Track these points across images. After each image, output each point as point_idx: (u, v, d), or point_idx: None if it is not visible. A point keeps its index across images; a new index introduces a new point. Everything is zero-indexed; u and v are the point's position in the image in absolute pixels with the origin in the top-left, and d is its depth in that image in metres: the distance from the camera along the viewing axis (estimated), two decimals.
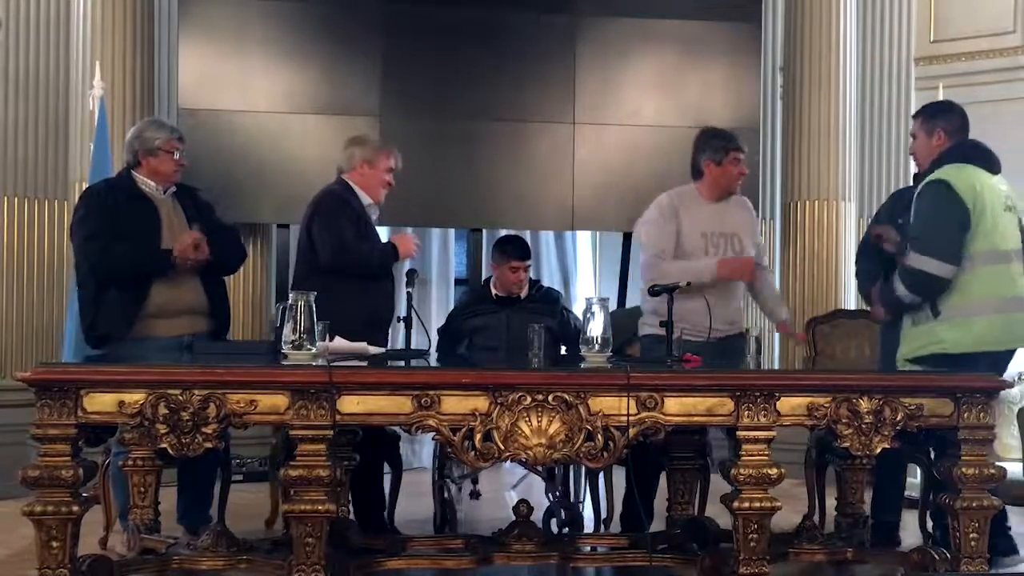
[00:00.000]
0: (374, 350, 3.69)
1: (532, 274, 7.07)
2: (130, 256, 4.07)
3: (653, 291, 3.74)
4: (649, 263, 4.25)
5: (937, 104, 4.30)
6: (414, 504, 5.11)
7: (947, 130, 4.01)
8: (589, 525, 4.71)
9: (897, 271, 3.95)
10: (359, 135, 4.66)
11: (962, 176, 3.89)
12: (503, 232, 6.92)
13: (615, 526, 4.53)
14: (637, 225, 4.40)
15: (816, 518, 4.24)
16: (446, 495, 4.70)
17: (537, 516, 3.90)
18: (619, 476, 4.54)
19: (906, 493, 4.48)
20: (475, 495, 5.03)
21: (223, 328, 4.34)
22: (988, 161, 3.99)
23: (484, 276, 6.44)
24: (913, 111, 6.44)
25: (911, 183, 4.24)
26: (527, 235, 7.17)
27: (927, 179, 3.91)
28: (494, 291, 5.11)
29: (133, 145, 4.25)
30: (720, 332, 4.17)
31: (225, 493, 4.32)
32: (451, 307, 6.50)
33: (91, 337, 4.15)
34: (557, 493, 4.70)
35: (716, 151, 4.30)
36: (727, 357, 4.10)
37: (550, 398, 3.15)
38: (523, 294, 5.06)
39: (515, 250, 5.02)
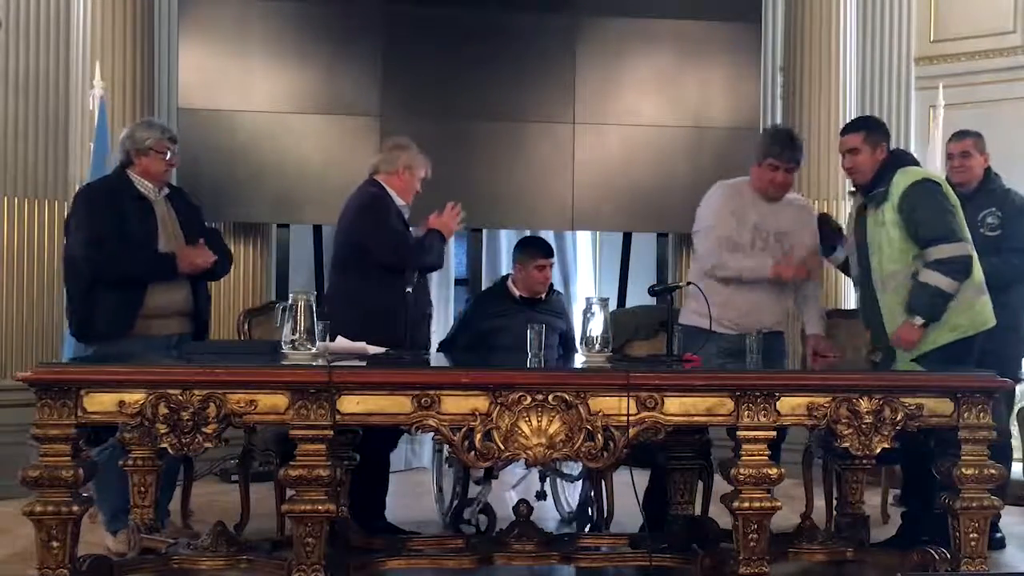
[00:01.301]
0: (373, 350, 3.69)
1: None
2: (139, 263, 4.12)
3: (653, 291, 3.74)
4: (711, 251, 4.23)
5: (870, 119, 4.46)
6: (414, 504, 5.12)
7: (887, 144, 4.19)
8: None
9: (928, 268, 3.96)
10: (401, 140, 4.59)
11: (934, 175, 4.21)
12: (503, 232, 6.93)
13: (617, 526, 4.53)
14: (699, 209, 4.37)
15: (825, 518, 4.24)
16: (475, 492, 4.69)
17: (538, 516, 3.90)
18: (620, 475, 4.55)
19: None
20: (542, 496, 5.00)
21: (204, 330, 4.41)
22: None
23: (486, 276, 6.44)
24: (913, 111, 6.51)
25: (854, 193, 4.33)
26: (526, 236, 7.21)
27: (913, 181, 4.03)
28: (516, 292, 5.08)
29: (125, 144, 4.27)
30: (764, 328, 4.16)
31: (187, 492, 4.44)
32: (451, 307, 6.50)
33: (85, 334, 4.17)
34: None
35: (758, 152, 4.32)
36: (765, 354, 4.00)
37: (550, 398, 3.15)
38: (543, 295, 5.08)
39: (540, 247, 5.02)
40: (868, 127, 4.22)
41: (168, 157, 4.27)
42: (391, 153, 4.47)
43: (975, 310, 4.04)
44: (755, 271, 4.20)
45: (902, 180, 4.04)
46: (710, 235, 4.27)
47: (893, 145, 6.48)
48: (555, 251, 7.51)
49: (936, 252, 3.95)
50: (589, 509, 4.75)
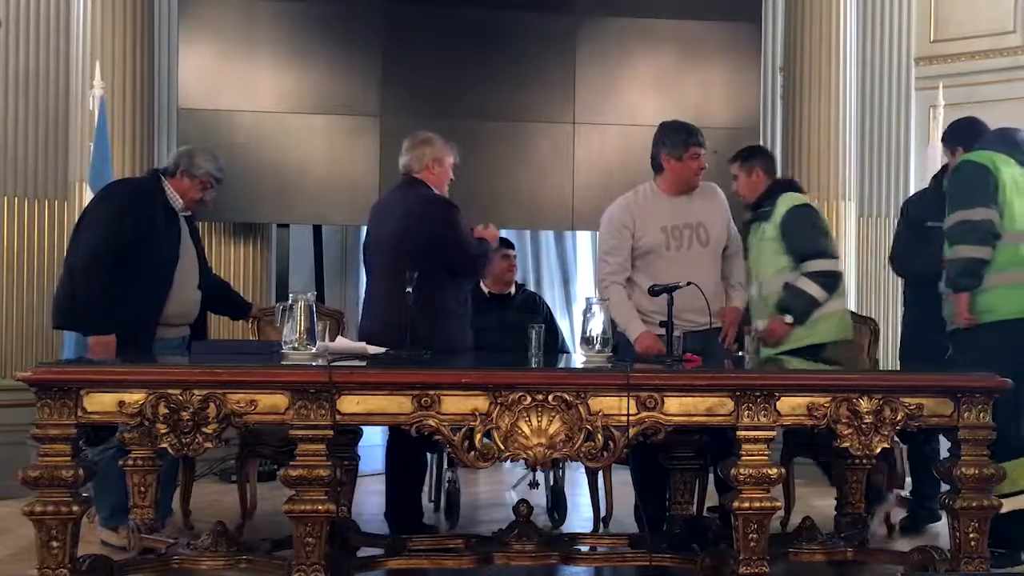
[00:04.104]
0: (373, 350, 3.69)
1: (532, 274, 7.14)
2: (99, 300, 4.08)
3: (653, 291, 3.73)
4: (599, 280, 4.27)
5: (751, 148, 4.96)
6: None
7: (763, 168, 4.69)
8: (589, 525, 4.72)
9: (804, 276, 4.43)
10: (423, 135, 4.53)
11: (809, 201, 4.77)
12: (503, 232, 6.93)
13: (617, 525, 4.54)
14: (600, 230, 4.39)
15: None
16: (454, 484, 4.77)
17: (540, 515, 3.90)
18: (620, 475, 4.56)
19: None
20: (534, 485, 5.05)
21: (203, 334, 4.50)
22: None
23: None
24: (913, 111, 6.51)
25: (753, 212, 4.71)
26: (527, 235, 7.22)
27: (794, 205, 4.52)
28: (486, 290, 5.18)
29: (180, 159, 4.37)
30: (694, 326, 4.07)
31: (189, 488, 4.46)
32: None
33: (95, 327, 4.15)
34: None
35: (675, 146, 4.26)
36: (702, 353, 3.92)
37: (550, 398, 3.15)
38: (512, 290, 5.19)
39: (502, 240, 5.11)
40: (741, 157, 4.74)
41: (208, 191, 4.39)
42: (417, 150, 4.43)
43: (839, 321, 4.54)
44: (624, 324, 4.12)
45: (784, 204, 4.52)
46: (600, 269, 4.29)
47: (892, 145, 6.59)
48: (555, 251, 7.61)
49: (813, 265, 4.43)
50: (558, 497, 4.86)
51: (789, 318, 4.39)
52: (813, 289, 4.39)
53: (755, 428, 3.21)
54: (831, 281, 4.46)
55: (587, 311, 3.50)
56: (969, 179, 4.13)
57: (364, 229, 6.48)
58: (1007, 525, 3.75)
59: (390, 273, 4.17)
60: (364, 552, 3.78)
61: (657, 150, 4.32)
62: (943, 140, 4.73)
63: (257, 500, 4.42)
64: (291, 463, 3.12)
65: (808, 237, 4.47)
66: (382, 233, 4.39)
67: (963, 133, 4.50)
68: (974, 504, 3.28)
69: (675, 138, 4.29)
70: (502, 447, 3.15)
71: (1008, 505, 3.71)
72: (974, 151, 4.23)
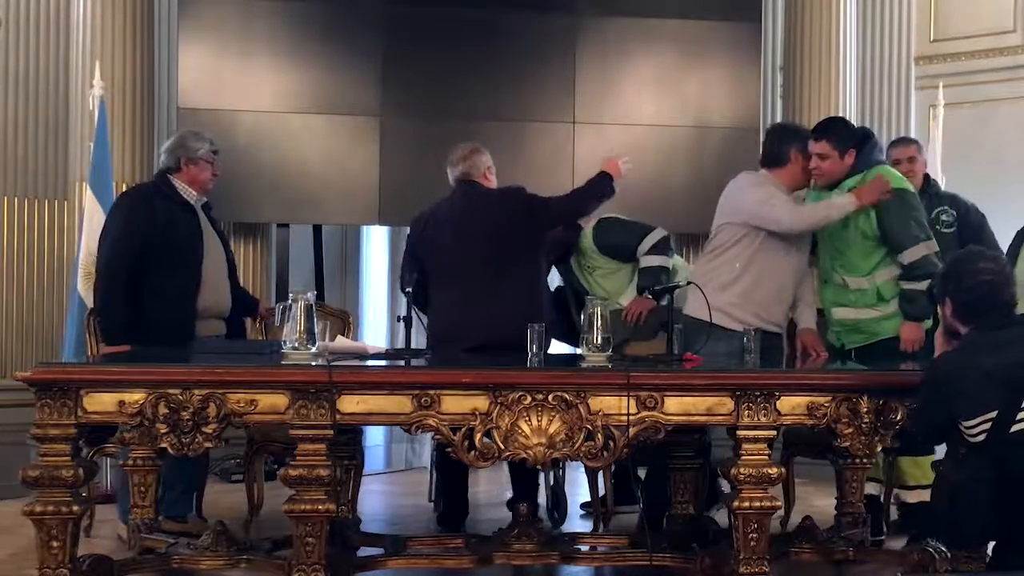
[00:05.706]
0: (373, 349, 3.69)
1: None
2: (117, 309, 4.12)
3: (653, 291, 3.73)
4: (784, 209, 4.13)
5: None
6: (415, 504, 5.13)
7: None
8: (589, 525, 4.73)
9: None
10: (471, 145, 4.56)
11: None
12: None
13: (618, 525, 4.54)
14: (736, 192, 4.28)
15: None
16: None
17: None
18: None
19: None
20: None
21: (239, 331, 4.52)
22: None
23: None
24: (913, 111, 6.50)
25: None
26: None
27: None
28: None
29: (176, 152, 4.36)
30: (775, 324, 4.18)
31: (202, 486, 4.46)
32: None
33: (108, 338, 4.16)
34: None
35: (804, 140, 4.26)
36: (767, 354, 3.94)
37: (550, 397, 3.15)
38: None
39: None
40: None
41: (215, 168, 4.40)
42: (473, 158, 4.50)
43: None
44: (842, 206, 4.11)
45: None
46: (772, 200, 4.15)
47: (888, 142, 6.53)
48: None
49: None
50: (558, 497, 4.85)
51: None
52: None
53: (755, 428, 3.21)
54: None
55: (587, 311, 3.50)
56: (918, 209, 4.14)
57: (366, 229, 6.55)
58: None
59: (494, 271, 4.31)
60: (364, 552, 3.79)
61: (787, 146, 4.27)
62: (825, 135, 4.25)
63: (264, 496, 4.42)
64: (291, 463, 3.12)
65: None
66: (470, 234, 4.38)
67: (852, 135, 4.27)
68: None
69: (804, 133, 4.32)
70: (502, 447, 3.15)
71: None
72: (881, 167, 4.21)
